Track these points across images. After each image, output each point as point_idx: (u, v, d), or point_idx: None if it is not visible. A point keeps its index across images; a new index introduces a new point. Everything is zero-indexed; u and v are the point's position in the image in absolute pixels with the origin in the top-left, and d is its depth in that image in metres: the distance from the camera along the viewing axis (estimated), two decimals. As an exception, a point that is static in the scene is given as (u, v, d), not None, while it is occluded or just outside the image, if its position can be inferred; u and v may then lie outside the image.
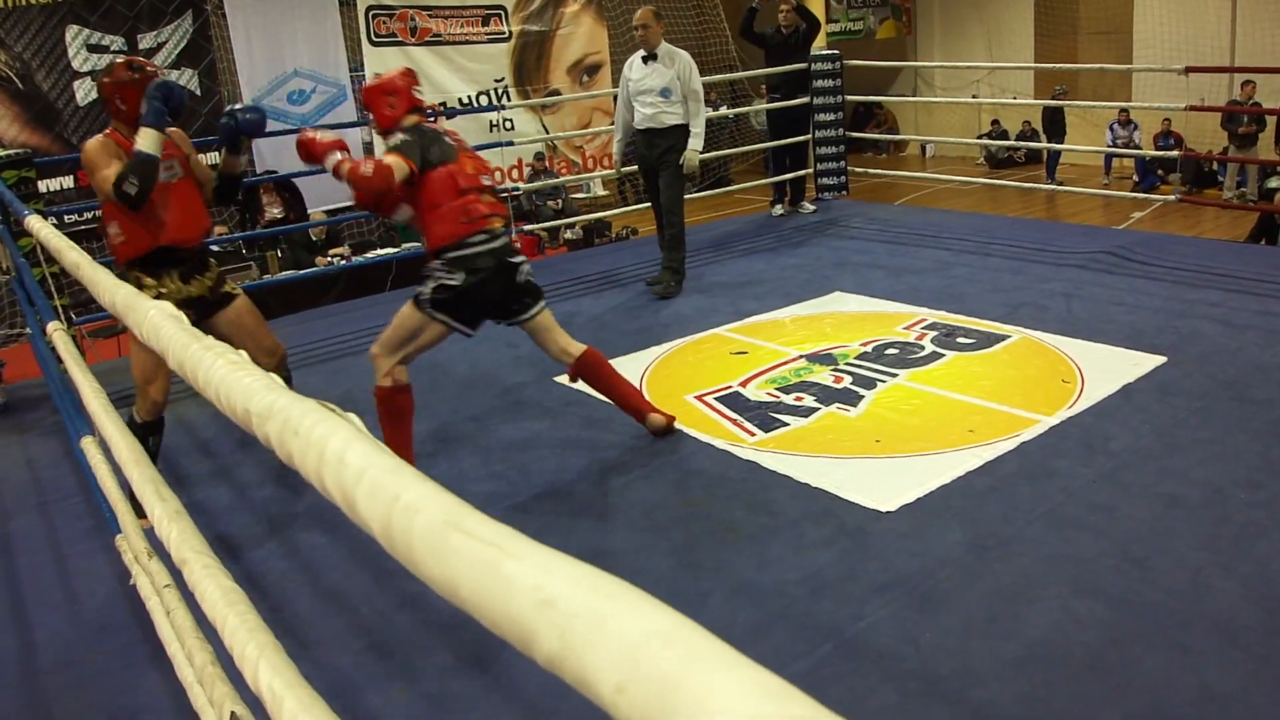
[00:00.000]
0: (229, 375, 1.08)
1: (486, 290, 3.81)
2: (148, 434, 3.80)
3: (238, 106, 4.19)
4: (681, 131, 6.31)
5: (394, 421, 3.91)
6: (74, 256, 2.41)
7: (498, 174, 12.99)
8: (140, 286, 3.74)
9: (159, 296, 3.65)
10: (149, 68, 3.80)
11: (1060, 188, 13.47)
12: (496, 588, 0.59)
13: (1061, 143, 15.05)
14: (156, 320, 1.41)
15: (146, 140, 3.56)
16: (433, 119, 3.97)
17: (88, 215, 9.39)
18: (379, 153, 3.80)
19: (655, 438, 4.16)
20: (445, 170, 3.75)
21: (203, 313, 3.89)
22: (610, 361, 5.05)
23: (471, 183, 3.80)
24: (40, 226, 3.10)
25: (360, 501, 0.75)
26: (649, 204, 6.87)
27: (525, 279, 3.89)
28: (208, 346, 1.19)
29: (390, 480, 0.73)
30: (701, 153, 6.35)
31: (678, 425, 4.23)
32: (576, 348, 4.07)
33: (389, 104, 3.86)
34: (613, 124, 6.86)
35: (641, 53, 6.37)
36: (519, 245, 4.02)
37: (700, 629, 0.50)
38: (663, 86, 6.25)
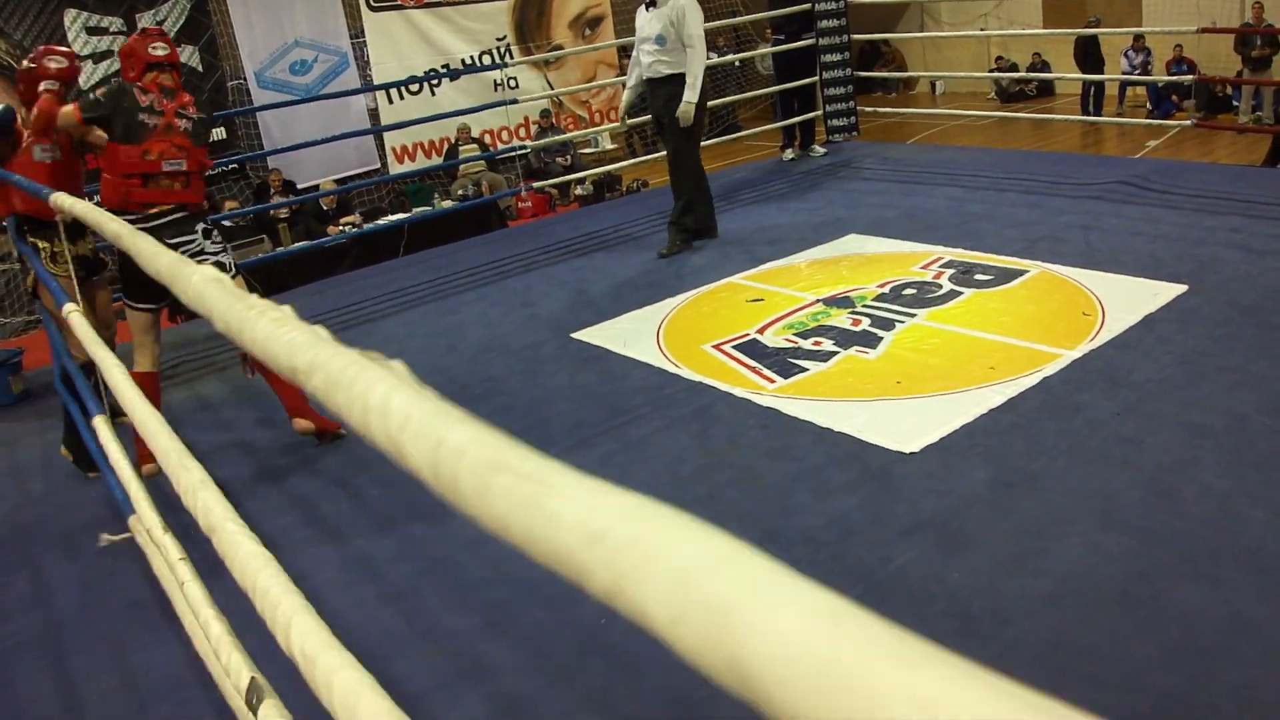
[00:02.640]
0: (273, 333, 1.08)
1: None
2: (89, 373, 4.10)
3: None
4: (677, 82, 6.02)
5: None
6: (115, 227, 2.40)
7: (504, 133, 12.93)
8: (38, 248, 4.22)
9: (52, 255, 4.18)
10: None
11: (1079, 118, 13.27)
12: (544, 525, 0.59)
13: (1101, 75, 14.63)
14: (200, 285, 1.41)
15: None
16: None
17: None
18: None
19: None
20: (122, 146, 3.91)
21: (89, 271, 4.38)
22: (627, 315, 5.06)
23: (140, 168, 3.91)
24: (72, 203, 3.09)
25: (407, 448, 0.75)
26: (661, 154, 6.71)
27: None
28: (250, 306, 1.19)
29: (434, 424, 0.73)
30: (704, 104, 6.04)
31: (705, 381, 4.23)
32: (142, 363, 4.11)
33: (129, 66, 4.05)
34: (618, 77, 6.61)
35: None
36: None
37: (753, 552, 0.49)
38: (657, 34, 5.99)
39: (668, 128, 6.21)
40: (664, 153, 6.61)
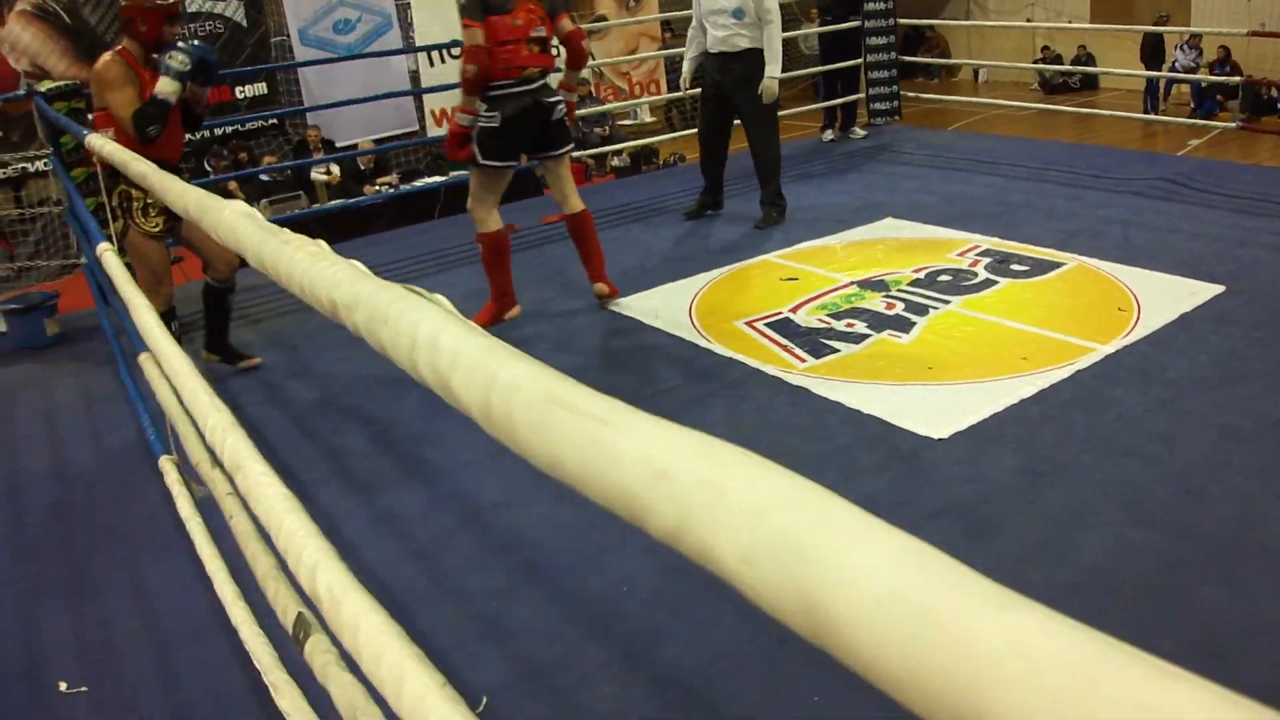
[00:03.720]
0: (311, 267, 1.06)
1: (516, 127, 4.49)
2: (168, 321, 4.03)
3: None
4: (756, 56, 6.01)
5: (497, 260, 4.72)
6: (140, 167, 2.45)
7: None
8: (130, 197, 4.08)
9: (145, 206, 4.05)
10: None
11: (1123, 114, 13.14)
12: (605, 462, 0.56)
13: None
14: (231, 219, 1.42)
15: (169, 88, 3.94)
16: None
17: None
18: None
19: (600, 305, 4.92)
20: (495, 18, 4.33)
21: (174, 219, 4.21)
22: (660, 288, 5.07)
23: (514, 34, 4.35)
24: (103, 144, 3.14)
25: (457, 384, 0.72)
26: (696, 130, 6.67)
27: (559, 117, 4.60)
28: (286, 240, 1.19)
29: (486, 360, 0.71)
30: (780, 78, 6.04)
31: (736, 357, 4.24)
32: (576, 204, 4.83)
33: None
34: (658, 50, 6.58)
35: None
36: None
37: (827, 491, 0.46)
38: (735, 7, 5.97)
39: (745, 104, 6.13)
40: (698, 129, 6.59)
